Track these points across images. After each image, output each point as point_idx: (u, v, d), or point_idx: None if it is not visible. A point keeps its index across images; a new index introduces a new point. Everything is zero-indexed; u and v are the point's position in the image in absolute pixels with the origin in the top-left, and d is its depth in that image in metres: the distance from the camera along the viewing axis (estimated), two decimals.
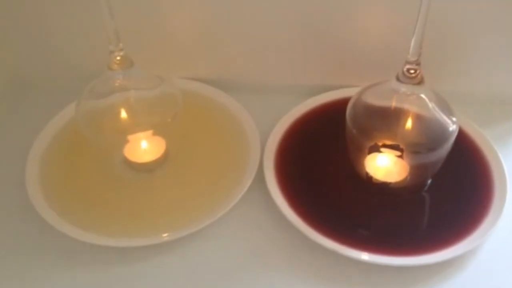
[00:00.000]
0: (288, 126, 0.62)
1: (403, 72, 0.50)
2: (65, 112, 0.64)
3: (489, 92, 0.65)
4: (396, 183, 0.55)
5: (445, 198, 0.55)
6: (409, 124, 0.51)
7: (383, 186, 0.55)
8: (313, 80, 0.67)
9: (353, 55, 0.65)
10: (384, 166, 0.55)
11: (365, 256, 0.50)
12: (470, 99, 0.62)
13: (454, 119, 0.52)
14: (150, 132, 0.58)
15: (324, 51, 0.65)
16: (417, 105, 0.51)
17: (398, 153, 0.51)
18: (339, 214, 0.54)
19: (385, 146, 0.51)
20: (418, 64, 0.49)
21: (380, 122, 0.52)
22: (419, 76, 0.49)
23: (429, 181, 0.56)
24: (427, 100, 0.51)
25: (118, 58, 0.52)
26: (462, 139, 0.59)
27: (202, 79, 0.67)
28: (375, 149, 0.52)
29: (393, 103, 0.52)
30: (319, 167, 0.58)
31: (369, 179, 0.55)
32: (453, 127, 0.51)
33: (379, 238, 0.52)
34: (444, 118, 0.51)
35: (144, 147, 0.59)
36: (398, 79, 0.50)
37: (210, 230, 0.53)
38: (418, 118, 0.52)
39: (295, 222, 0.52)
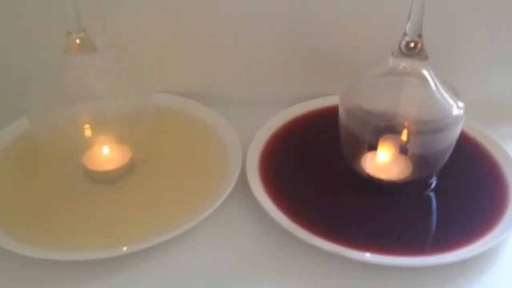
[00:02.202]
0: (273, 131, 0.55)
1: (400, 48, 0.44)
2: (15, 125, 0.56)
3: (488, 95, 0.60)
4: (398, 181, 0.48)
5: (453, 197, 0.49)
6: (411, 103, 0.45)
7: (384, 185, 0.48)
8: (295, 90, 0.62)
9: (336, 63, 0.60)
10: (384, 163, 0.48)
11: (366, 256, 0.42)
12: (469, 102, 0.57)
13: (460, 104, 0.46)
14: (112, 137, 0.51)
15: (305, 60, 0.61)
16: (419, 82, 0.45)
17: (401, 138, 0.45)
18: (335, 215, 0.47)
19: (387, 129, 0.44)
20: (419, 36, 0.43)
21: (378, 105, 0.46)
22: (421, 51, 0.44)
23: (434, 181, 0.49)
24: (429, 78, 0.45)
25: (78, 41, 0.45)
26: (466, 140, 0.53)
27: (176, 92, 0.61)
28: (376, 134, 0.45)
29: (392, 82, 0.46)
30: (310, 171, 0.51)
31: (369, 178, 0.48)
32: (459, 112, 0.45)
33: (381, 238, 0.44)
34: (449, 100, 0.45)
35: (106, 155, 0.51)
36: (394, 54, 0.44)
37: (186, 240, 0.45)
38: (420, 97, 0.46)
39: (286, 225, 0.44)
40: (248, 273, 0.43)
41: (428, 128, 0.45)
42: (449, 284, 0.42)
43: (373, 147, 0.48)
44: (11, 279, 0.43)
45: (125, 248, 0.43)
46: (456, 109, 0.45)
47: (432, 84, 0.45)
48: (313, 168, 0.52)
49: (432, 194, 0.49)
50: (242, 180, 0.49)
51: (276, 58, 0.60)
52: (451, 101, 0.45)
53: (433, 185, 0.49)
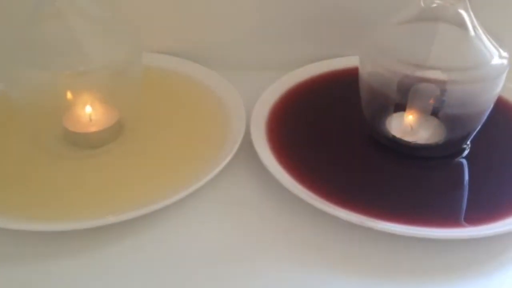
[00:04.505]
0: (280, 93, 0.49)
1: None
2: None
3: None
4: (428, 144, 0.41)
5: (488, 166, 0.42)
6: (444, 50, 0.38)
7: (411, 149, 0.41)
8: (301, 54, 0.55)
9: (346, 22, 0.54)
10: (412, 124, 0.42)
11: (387, 226, 0.35)
12: None
13: (504, 53, 0.39)
14: (96, 94, 0.45)
15: (312, 20, 0.54)
16: (454, 27, 0.38)
17: (434, 88, 0.38)
18: (353, 182, 0.41)
19: (416, 79, 0.38)
20: None
21: (406, 54, 0.39)
22: None
23: (468, 148, 0.42)
24: (467, 19, 0.38)
25: None
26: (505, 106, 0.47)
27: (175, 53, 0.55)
28: (404, 87, 0.38)
29: (422, 27, 0.39)
30: (324, 134, 0.45)
31: (394, 141, 0.41)
32: (501, 61, 0.38)
33: (406, 208, 0.38)
34: (490, 47, 0.38)
35: (89, 115, 0.45)
36: None
37: (184, 208, 0.40)
38: (455, 43, 0.39)
39: (295, 190, 0.38)
40: (252, 241, 0.37)
41: (464, 77, 0.38)
42: (491, 261, 0.35)
43: (399, 107, 0.41)
44: None
45: (111, 217, 0.37)
46: (498, 58, 0.38)
47: (470, 27, 0.38)
48: (327, 131, 0.46)
49: (465, 161, 0.42)
50: (247, 144, 0.43)
51: (280, 19, 0.54)
52: (492, 48, 0.38)
53: (466, 152, 0.42)
